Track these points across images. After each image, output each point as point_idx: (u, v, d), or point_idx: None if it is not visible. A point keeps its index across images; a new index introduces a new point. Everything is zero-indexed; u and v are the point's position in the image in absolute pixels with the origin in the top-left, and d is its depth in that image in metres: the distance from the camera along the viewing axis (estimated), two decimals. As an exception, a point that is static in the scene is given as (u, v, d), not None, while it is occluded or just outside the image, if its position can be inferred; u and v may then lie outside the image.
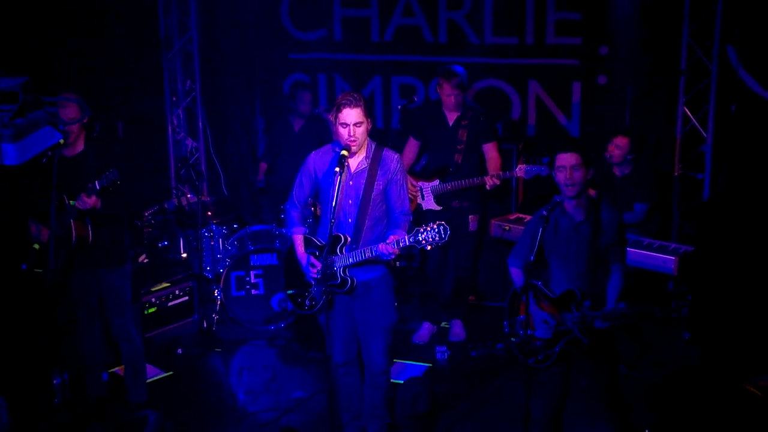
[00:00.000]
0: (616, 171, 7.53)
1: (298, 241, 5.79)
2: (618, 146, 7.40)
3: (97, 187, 5.85)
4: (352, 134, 5.45)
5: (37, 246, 6.06)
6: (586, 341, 5.31)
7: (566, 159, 5.27)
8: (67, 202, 5.98)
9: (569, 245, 5.40)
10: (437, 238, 5.20)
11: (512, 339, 5.52)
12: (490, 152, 7.47)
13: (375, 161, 5.60)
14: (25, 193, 6.24)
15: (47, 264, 5.71)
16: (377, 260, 5.57)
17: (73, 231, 6.02)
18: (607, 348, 5.51)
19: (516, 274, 5.61)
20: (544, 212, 5.25)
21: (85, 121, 6.05)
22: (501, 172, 7.31)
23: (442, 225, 5.20)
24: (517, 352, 5.50)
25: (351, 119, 5.44)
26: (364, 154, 5.60)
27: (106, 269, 6.25)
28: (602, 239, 5.35)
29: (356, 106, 5.43)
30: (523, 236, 5.64)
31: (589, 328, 5.31)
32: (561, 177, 5.29)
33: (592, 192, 7.32)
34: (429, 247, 5.26)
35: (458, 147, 7.43)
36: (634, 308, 5.29)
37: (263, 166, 9.12)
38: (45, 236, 6.02)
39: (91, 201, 5.90)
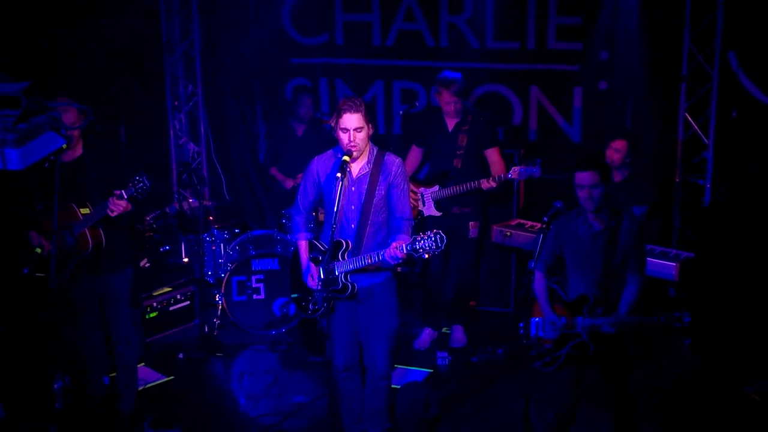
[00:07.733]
0: (615, 176, 7.53)
1: (303, 247, 5.81)
2: (617, 150, 7.41)
3: (125, 196, 5.70)
4: (352, 139, 5.45)
5: (39, 250, 6.04)
6: (593, 347, 5.36)
7: (585, 178, 5.37)
8: (77, 211, 5.92)
9: (587, 252, 5.51)
10: (433, 247, 5.18)
11: (524, 341, 5.58)
12: (493, 156, 7.43)
13: (377, 166, 5.60)
14: (27, 197, 6.21)
15: (50, 270, 5.68)
16: (380, 266, 5.58)
17: (89, 239, 5.94)
18: (618, 355, 5.55)
19: (538, 277, 5.70)
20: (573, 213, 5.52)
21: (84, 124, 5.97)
22: (499, 175, 7.27)
23: (439, 234, 5.19)
24: (530, 355, 5.59)
25: (351, 124, 5.44)
26: (366, 159, 5.61)
27: (111, 273, 6.21)
28: (619, 249, 5.43)
29: (357, 111, 5.43)
30: (547, 241, 5.68)
31: (597, 334, 5.35)
32: (581, 194, 5.41)
33: None
34: (426, 256, 5.24)
35: (458, 152, 7.42)
36: (638, 317, 5.36)
37: (274, 170, 8.98)
38: (47, 247, 5.95)
39: (122, 205, 5.74)
